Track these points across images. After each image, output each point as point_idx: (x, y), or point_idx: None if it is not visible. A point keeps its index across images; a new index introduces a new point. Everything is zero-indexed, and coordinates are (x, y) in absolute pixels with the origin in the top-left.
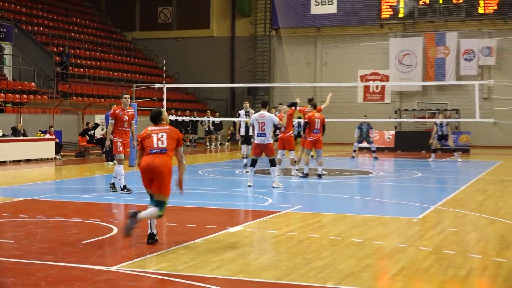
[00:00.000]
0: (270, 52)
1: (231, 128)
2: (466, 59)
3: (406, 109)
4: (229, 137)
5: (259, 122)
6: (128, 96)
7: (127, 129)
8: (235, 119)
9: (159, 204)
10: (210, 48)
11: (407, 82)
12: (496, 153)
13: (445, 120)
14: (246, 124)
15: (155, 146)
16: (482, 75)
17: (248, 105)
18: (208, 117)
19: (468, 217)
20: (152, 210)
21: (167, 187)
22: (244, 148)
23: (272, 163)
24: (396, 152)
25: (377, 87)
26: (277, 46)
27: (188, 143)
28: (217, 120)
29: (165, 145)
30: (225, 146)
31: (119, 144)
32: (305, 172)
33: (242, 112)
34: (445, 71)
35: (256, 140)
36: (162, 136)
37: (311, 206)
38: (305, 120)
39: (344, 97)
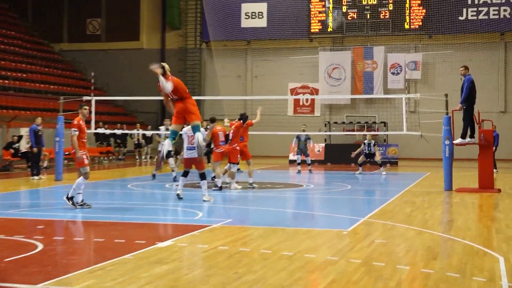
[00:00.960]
0: (200, 64)
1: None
2: (393, 73)
3: (335, 122)
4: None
5: (188, 136)
6: (87, 107)
7: (85, 141)
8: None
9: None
10: (139, 60)
11: (336, 96)
12: (422, 165)
13: (373, 141)
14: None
15: None
16: (408, 88)
17: (169, 122)
18: (138, 130)
19: (397, 228)
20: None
21: None
22: (172, 161)
23: (202, 176)
24: (326, 164)
25: (307, 100)
26: (208, 58)
27: (118, 157)
28: (148, 133)
29: None
30: (155, 160)
31: (84, 156)
32: (218, 185)
33: (162, 128)
34: (373, 84)
35: (186, 154)
36: None
37: (241, 219)
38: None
39: (275, 110)
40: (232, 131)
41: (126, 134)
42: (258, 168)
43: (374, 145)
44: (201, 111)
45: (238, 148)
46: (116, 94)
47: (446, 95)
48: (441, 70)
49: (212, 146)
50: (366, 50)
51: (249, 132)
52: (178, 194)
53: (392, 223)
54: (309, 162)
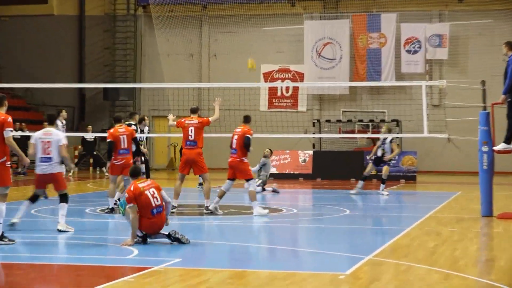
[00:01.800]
0: (135, 38)
1: (80, 147)
2: (409, 51)
3: (328, 120)
4: (76, 159)
5: (43, 142)
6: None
7: None
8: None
9: None
10: (48, 31)
11: (329, 83)
12: (450, 181)
13: (389, 136)
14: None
15: None
16: (431, 73)
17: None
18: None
19: (415, 271)
20: None
21: None
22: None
23: (62, 199)
24: (315, 180)
25: (287, 89)
26: (146, 30)
27: (16, 169)
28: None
29: None
30: (71, 173)
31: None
32: (110, 207)
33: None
34: (380, 67)
35: (38, 169)
36: None
37: (195, 259)
38: (109, 140)
39: (241, 104)
40: (236, 136)
41: (28, 137)
42: (217, 186)
43: (392, 141)
44: (136, 104)
45: (246, 160)
46: (15, 80)
47: (483, 83)
48: (476, 47)
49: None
50: (371, 19)
51: (205, 135)
52: (13, 223)
53: (408, 263)
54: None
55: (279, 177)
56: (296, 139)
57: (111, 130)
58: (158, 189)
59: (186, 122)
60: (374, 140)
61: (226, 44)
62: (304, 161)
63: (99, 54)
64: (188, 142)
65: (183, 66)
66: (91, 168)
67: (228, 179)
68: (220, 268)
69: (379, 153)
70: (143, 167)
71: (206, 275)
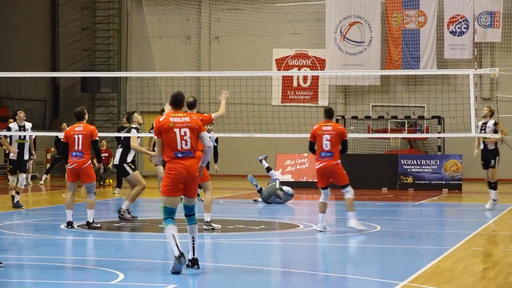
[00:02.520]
0: (120, 17)
1: (53, 149)
2: (453, 33)
3: (355, 117)
4: (48, 164)
5: None
6: None
7: None
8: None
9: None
10: (13, 9)
11: (356, 71)
12: (504, 191)
13: (492, 121)
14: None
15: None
16: (480, 59)
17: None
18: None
19: None
20: (193, 225)
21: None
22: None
23: None
24: (339, 190)
25: (305, 78)
26: (134, 6)
27: None
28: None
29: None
30: (41, 181)
31: None
32: (68, 220)
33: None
34: (419, 52)
35: None
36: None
37: (194, 284)
38: (64, 140)
39: (250, 97)
40: (329, 136)
41: None
42: (220, 196)
43: (496, 124)
44: (122, 97)
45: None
46: None
47: None
48: None
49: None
50: None
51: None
52: None
53: None
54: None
55: (295, 185)
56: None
57: (68, 129)
58: (194, 131)
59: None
60: (410, 142)
61: (231, 24)
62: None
63: (76, 36)
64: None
65: (178, 51)
66: (66, 174)
67: (323, 188)
68: None
69: (482, 146)
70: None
71: None
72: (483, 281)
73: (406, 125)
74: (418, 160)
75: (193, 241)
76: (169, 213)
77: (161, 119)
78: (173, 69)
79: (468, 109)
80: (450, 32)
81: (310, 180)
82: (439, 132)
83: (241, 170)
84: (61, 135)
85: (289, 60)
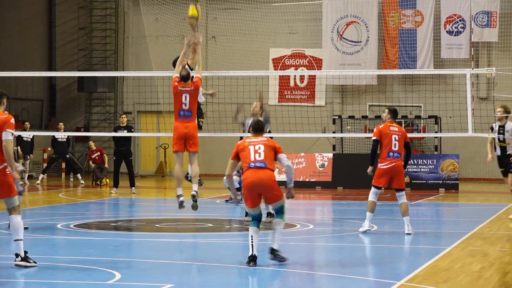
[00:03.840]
0: (117, 16)
1: (50, 149)
2: (450, 32)
3: (351, 117)
4: (45, 164)
5: None
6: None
7: None
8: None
9: (280, 210)
10: (9, 8)
11: (353, 71)
12: (501, 191)
13: (509, 123)
14: None
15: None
16: (477, 59)
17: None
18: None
19: None
20: (278, 225)
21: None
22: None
23: None
24: (335, 189)
25: (302, 78)
26: (130, 6)
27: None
28: (27, 135)
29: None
30: (39, 181)
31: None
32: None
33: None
34: (415, 52)
35: None
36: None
37: (191, 284)
38: None
39: (246, 96)
40: (397, 136)
41: None
42: (217, 196)
43: None
44: (119, 96)
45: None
46: None
47: None
48: None
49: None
50: None
51: (201, 134)
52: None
53: None
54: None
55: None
56: (313, 139)
57: None
58: (270, 148)
59: (179, 88)
60: None
61: (228, 24)
62: (323, 166)
63: (73, 36)
64: (182, 113)
65: (175, 50)
66: (63, 174)
67: (378, 187)
68: None
69: (499, 151)
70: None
71: None
72: (480, 281)
73: (403, 125)
74: (415, 160)
75: (274, 233)
76: (253, 217)
77: (239, 142)
78: (170, 68)
79: (465, 108)
80: (447, 31)
81: (307, 180)
82: (436, 132)
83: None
84: (57, 134)
85: (286, 60)
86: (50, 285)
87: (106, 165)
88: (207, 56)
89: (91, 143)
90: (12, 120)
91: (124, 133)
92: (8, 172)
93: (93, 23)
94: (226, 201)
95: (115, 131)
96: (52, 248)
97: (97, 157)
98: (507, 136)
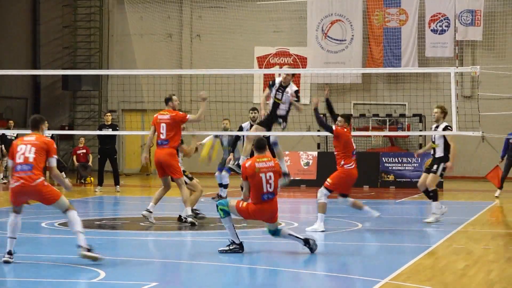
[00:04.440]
0: (102, 15)
1: None
2: (435, 31)
3: (336, 115)
4: None
5: None
6: None
7: None
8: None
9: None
10: None
11: (337, 69)
12: (485, 189)
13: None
14: None
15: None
16: (461, 58)
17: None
18: None
19: None
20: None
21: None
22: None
23: None
24: (320, 187)
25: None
26: (115, 4)
27: None
28: (11, 134)
29: None
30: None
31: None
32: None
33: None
34: (400, 50)
35: None
36: None
37: (176, 282)
38: None
39: (230, 95)
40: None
41: None
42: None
43: (447, 128)
44: (103, 95)
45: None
46: None
47: None
48: None
49: None
50: None
51: (185, 133)
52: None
53: (432, 287)
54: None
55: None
56: (298, 137)
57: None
58: (277, 174)
59: (159, 117)
60: (392, 140)
61: (212, 22)
62: (307, 164)
63: (57, 34)
64: (159, 142)
65: (160, 49)
66: (47, 173)
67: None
68: None
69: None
70: None
71: None
72: (464, 279)
73: (388, 123)
74: (399, 158)
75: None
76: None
77: (247, 164)
78: (154, 67)
79: (449, 107)
80: (431, 30)
81: (292, 178)
82: (420, 130)
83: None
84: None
85: (270, 58)
86: (35, 283)
87: (90, 163)
88: (192, 54)
89: (82, 140)
90: (54, 145)
91: (109, 132)
92: (46, 184)
93: (78, 21)
94: (213, 198)
95: (100, 129)
96: (37, 247)
97: (81, 154)
98: (438, 137)
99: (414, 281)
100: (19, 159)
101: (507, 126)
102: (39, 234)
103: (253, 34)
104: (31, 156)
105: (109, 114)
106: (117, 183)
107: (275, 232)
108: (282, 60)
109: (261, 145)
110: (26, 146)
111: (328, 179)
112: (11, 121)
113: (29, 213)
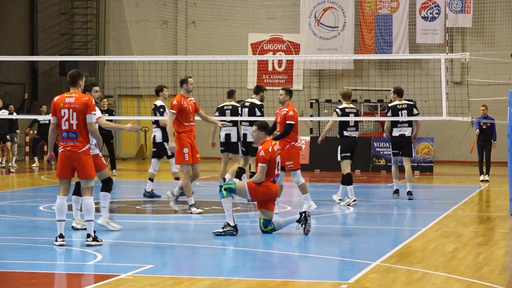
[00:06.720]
0: (98, 1)
1: (34, 131)
2: (425, 18)
3: (328, 101)
4: (28, 147)
5: None
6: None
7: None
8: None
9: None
10: None
11: (330, 55)
12: (474, 173)
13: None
14: None
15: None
16: (451, 44)
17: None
18: None
19: (431, 279)
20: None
21: None
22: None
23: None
24: (312, 172)
25: (280, 62)
26: None
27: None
28: (43, 119)
29: None
30: (34, 164)
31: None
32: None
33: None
34: (391, 37)
35: None
36: None
37: (171, 264)
38: None
39: (225, 80)
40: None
41: None
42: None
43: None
44: (99, 81)
45: (297, 145)
46: None
47: None
48: (506, 13)
49: None
50: None
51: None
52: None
53: (423, 270)
54: None
55: None
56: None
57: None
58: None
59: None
60: (383, 125)
61: (207, 9)
62: (300, 149)
63: (54, 20)
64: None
65: (156, 35)
66: (45, 156)
67: None
68: (200, 276)
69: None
70: None
71: (183, 284)
72: (453, 261)
73: (379, 109)
74: (390, 143)
75: None
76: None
77: (270, 149)
78: (150, 53)
79: (440, 93)
80: (422, 17)
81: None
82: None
83: (217, 152)
84: (40, 117)
85: (264, 45)
86: (33, 266)
87: None
88: (187, 41)
89: None
90: (93, 101)
91: (106, 117)
92: (91, 154)
93: (75, 8)
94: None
95: None
96: (34, 230)
97: None
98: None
99: (405, 263)
100: (64, 125)
101: (496, 111)
102: (37, 217)
103: (247, 21)
104: (74, 123)
105: (105, 99)
106: (113, 167)
107: (269, 224)
108: (275, 47)
109: (268, 127)
110: (69, 110)
111: (287, 162)
112: (11, 106)
113: (27, 196)
